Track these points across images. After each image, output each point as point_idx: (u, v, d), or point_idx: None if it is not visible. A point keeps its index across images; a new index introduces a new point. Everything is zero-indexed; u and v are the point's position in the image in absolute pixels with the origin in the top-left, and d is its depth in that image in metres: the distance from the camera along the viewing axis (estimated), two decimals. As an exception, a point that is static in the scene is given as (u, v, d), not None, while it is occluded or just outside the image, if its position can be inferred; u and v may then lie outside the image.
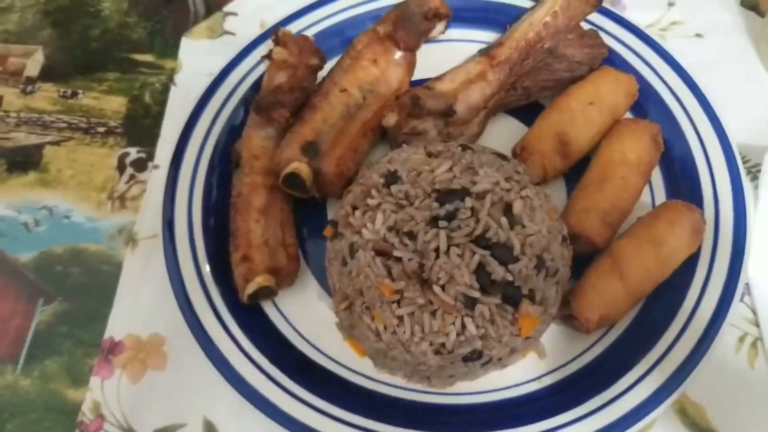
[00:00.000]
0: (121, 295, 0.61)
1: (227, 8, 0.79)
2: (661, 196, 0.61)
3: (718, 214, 0.58)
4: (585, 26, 0.68)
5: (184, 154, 0.66)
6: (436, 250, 0.49)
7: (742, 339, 0.56)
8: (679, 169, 0.61)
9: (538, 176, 0.59)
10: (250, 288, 0.55)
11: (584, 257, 0.56)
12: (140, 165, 0.70)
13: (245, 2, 0.79)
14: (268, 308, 0.59)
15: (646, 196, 0.61)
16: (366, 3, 0.74)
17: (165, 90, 0.75)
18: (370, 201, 0.52)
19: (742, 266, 0.56)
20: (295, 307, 0.59)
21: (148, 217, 0.65)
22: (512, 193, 0.52)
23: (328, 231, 0.55)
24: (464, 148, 0.55)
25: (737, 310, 0.57)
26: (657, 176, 0.62)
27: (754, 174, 0.62)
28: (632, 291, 0.53)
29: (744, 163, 0.63)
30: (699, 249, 0.56)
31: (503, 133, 0.66)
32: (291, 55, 0.64)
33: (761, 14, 0.75)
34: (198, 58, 0.76)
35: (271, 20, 0.75)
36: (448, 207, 0.50)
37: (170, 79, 0.75)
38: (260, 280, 0.55)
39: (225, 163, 0.65)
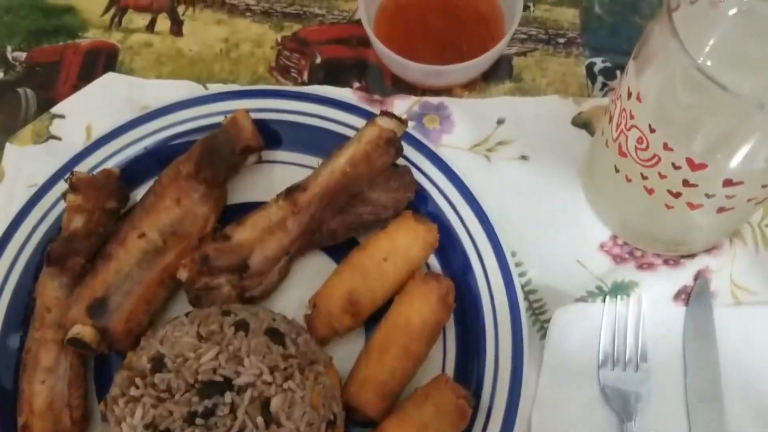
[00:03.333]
0: None
1: (55, 109, 0.76)
2: (452, 353, 0.62)
3: (496, 380, 0.59)
4: (401, 161, 0.67)
5: (-14, 285, 0.64)
6: (189, 453, 0.50)
7: None
8: (470, 325, 0.62)
9: (326, 337, 0.60)
10: (26, 461, 0.56)
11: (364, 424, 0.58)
12: (-47, 286, 0.69)
13: (73, 103, 0.76)
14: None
15: (438, 350, 0.62)
16: (211, 116, 0.69)
17: (-10, 200, 0.72)
18: (133, 391, 0.52)
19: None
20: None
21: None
22: (273, 387, 0.52)
23: (103, 406, 0.56)
24: (237, 328, 0.55)
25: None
26: (451, 330, 0.62)
27: (546, 331, 0.63)
28: (394, 477, 0.54)
29: (541, 314, 0.64)
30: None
31: (312, 271, 0.66)
32: (86, 200, 0.62)
33: (592, 133, 0.73)
34: (22, 165, 0.73)
35: (98, 125, 0.74)
36: (207, 403, 0.51)
37: (-7, 189, 0.73)
38: (35, 454, 0.55)
39: (28, 301, 0.64)
